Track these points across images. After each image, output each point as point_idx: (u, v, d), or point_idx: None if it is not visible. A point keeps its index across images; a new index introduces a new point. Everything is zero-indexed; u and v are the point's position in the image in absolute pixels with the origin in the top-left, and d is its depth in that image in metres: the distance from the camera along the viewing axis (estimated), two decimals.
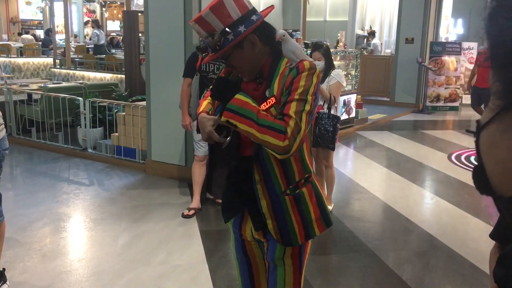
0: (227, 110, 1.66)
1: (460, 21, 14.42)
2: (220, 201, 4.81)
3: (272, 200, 1.77)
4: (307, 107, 1.67)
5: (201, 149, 4.46)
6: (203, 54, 1.82)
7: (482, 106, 8.25)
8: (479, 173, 1.11)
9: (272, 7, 1.87)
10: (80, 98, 6.39)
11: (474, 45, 11.17)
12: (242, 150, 1.81)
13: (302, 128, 1.65)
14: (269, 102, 1.71)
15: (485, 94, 8.12)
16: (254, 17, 1.74)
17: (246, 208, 1.87)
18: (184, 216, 4.38)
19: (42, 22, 17.25)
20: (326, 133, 4.36)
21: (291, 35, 8.76)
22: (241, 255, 2.02)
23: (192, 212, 4.43)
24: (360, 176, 5.84)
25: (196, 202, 4.51)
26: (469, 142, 7.76)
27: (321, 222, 1.85)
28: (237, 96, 1.67)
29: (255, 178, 1.76)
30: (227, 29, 1.69)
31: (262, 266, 2.01)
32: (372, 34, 14.37)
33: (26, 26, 18.43)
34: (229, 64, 1.79)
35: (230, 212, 1.93)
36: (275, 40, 1.77)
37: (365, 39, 14.95)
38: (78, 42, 15.34)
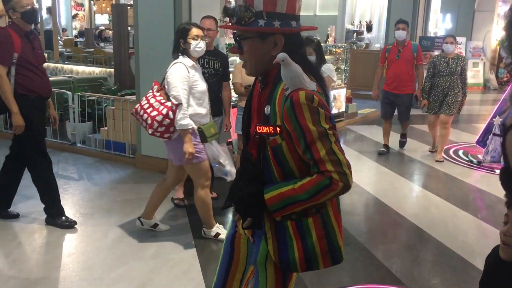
0: (273, 212, 1.61)
1: (448, 16, 14.51)
2: (212, 195, 4.82)
3: (276, 220, 1.68)
4: (332, 138, 1.57)
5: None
6: (224, 19, 1.71)
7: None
8: (506, 174, 1.14)
9: (315, 28, 1.90)
10: (69, 92, 6.34)
11: (462, 39, 11.26)
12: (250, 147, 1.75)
13: (341, 158, 1.56)
14: (273, 129, 1.61)
15: (400, 102, 6.51)
16: (293, 23, 1.66)
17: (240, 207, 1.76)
18: (178, 206, 4.49)
19: None
20: None
21: None
22: (227, 244, 1.95)
23: (186, 201, 4.50)
24: None
25: (182, 192, 4.56)
26: (456, 136, 7.83)
27: (328, 258, 1.71)
28: (267, 196, 1.60)
29: None
30: (264, 13, 1.60)
31: (242, 265, 1.93)
32: (369, 28, 14.37)
33: None
34: (240, 47, 1.69)
35: (230, 202, 1.83)
36: (295, 55, 1.63)
37: (355, 34, 14.98)
38: (66, 36, 15.18)
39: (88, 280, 3.22)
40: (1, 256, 3.50)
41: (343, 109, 8.54)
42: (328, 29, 9.84)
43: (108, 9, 13.88)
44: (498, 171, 5.92)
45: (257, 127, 1.64)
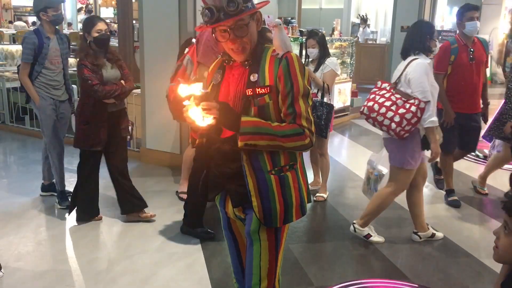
0: (241, 135, 1.73)
1: (455, 9, 14.38)
2: None
3: (258, 177, 1.83)
4: (310, 101, 1.85)
5: None
6: (211, 20, 1.76)
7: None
8: None
9: (267, 2, 1.95)
10: (74, 86, 6.34)
11: None
12: (223, 132, 1.88)
13: (312, 119, 1.84)
14: (263, 90, 1.80)
15: (473, 126, 4.52)
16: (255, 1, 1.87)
17: (226, 187, 1.93)
18: (182, 199, 4.42)
19: None
20: (319, 121, 4.36)
21: (289, 23, 8.70)
22: (227, 232, 2.10)
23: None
24: (354, 165, 5.85)
25: (186, 186, 4.53)
26: None
27: (299, 210, 1.92)
28: (244, 118, 1.75)
29: (242, 157, 1.82)
30: None
31: None
32: (364, 21, 14.22)
33: (19, 13, 18.20)
34: (238, 35, 1.78)
35: (213, 191, 2.00)
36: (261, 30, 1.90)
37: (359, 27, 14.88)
38: (72, 30, 15.19)
39: (93, 273, 3.24)
40: (7, 249, 3.52)
41: (348, 103, 8.50)
42: (334, 22, 9.78)
43: (113, 2, 13.84)
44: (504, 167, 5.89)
45: (247, 89, 1.81)
